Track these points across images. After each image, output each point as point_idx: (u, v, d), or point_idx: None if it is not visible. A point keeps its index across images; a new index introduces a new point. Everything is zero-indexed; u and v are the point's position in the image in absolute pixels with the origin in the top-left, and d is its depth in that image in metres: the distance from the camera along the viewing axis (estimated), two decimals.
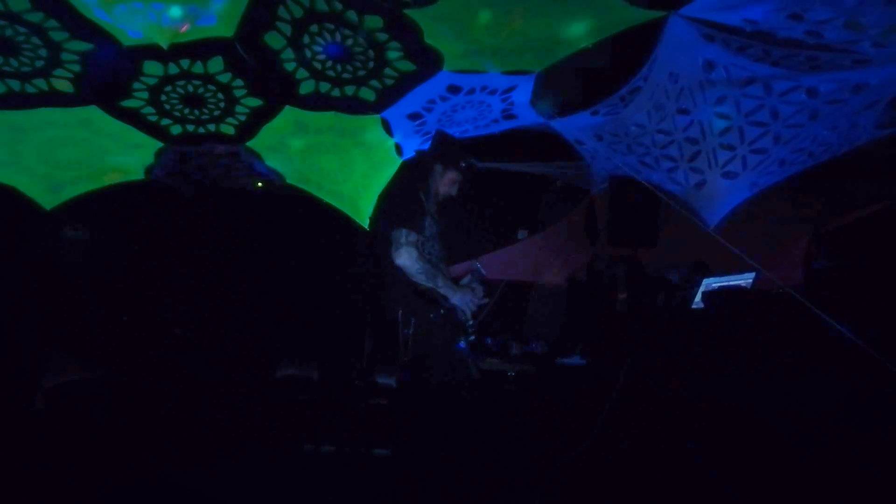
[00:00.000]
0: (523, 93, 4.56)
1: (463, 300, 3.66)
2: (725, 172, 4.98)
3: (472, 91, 4.49)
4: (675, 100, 4.45)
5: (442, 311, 3.60)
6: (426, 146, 4.36)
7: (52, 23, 3.59)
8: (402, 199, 3.76)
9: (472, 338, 3.83)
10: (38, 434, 5.25)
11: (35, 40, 3.75)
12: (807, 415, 3.47)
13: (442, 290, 3.59)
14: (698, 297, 5.21)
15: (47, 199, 5.68)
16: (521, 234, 8.08)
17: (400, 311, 3.62)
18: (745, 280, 5.32)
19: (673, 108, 4.56)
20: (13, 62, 3.98)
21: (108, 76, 4.26)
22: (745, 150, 4.74)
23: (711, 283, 5.26)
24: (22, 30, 3.65)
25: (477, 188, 6.41)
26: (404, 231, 3.50)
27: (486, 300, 3.91)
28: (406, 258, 3.46)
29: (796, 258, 6.80)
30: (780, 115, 4.37)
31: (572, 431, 5.02)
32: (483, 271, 3.91)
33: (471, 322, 3.81)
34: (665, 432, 4.18)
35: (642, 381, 4.74)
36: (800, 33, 3.49)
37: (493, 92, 4.53)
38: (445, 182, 3.87)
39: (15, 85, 4.23)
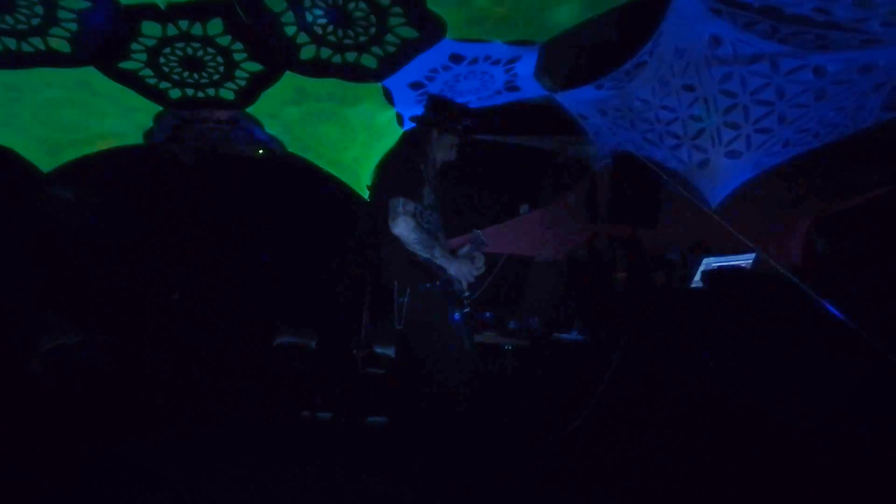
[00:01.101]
0: (527, 64, 4.49)
1: (460, 271, 3.61)
2: (729, 151, 4.94)
3: (474, 61, 4.43)
4: (680, 75, 4.40)
5: (438, 281, 3.57)
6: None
7: None
8: (400, 167, 3.71)
9: (468, 310, 3.81)
10: (34, 397, 5.27)
11: None
12: (799, 398, 3.46)
13: (439, 261, 3.54)
14: (698, 277, 5.19)
15: (45, 162, 5.65)
16: (523, 208, 8.04)
17: (396, 281, 3.59)
18: (745, 261, 5.29)
19: (678, 84, 4.50)
20: (9, 19, 3.92)
21: (106, 36, 4.20)
22: (750, 128, 4.69)
23: (711, 262, 5.24)
24: None
25: (478, 161, 6.38)
26: (402, 200, 3.45)
27: (484, 271, 3.87)
28: (403, 227, 3.41)
29: (797, 240, 6.76)
30: (785, 94, 4.32)
31: (567, 406, 5.04)
32: (484, 239, 3.86)
33: (467, 294, 3.78)
34: (658, 411, 4.18)
35: (638, 358, 4.74)
36: (808, 9, 3.43)
37: (496, 62, 4.47)
38: (443, 147, 3.81)
39: (11, 43, 4.17)
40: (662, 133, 5.04)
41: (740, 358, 3.81)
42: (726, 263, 5.05)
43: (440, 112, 3.86)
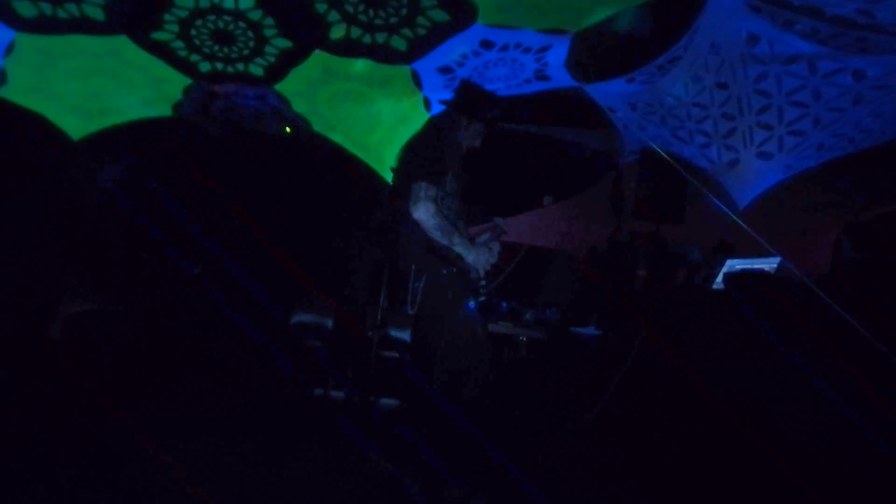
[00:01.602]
0: (558, 53, 4.44)
1: (478, 259, 3.58)
2: (761, 153, 4.85)
3: (505, 48, 4.38)
4: (714, 73, 4.32)
5: (455, 269, 3.55)
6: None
7: None
8: (425, 152, 3.68)
9: (483, 299, 3.79)
10: (51, 363, 5.35)
11: None
12: (808, 409, 3.40)
13: (457, 248, 3.51)
14: (720, 278, 5.12)
15: (75, 130, 5.71)
16: (547, 200, 7.98)
17: (413, 266, 3.58)
18: (769, 264, 5.21)
19: (711, 82, 4.42)
20: None
21: (140, 5, 4.21)
22: (783, 130, 4.61)
23: (735, 264, 5.16)
24: None
25: (503, 150, 6.32)
26: (424, 184, 3.42)
27: (502, 261, 3.84)
28: (424, 212, 3.38)
29: (825, 247, 6.64)
30: (822, 96, 4.22)
31: (579, 400, 5.01)
32: (505, 228, 3.83)
33: (483, 283, 3.75)
34: (670, 410, 4.14)
35: (654, 356, 4.70)
36: (850, 10, 3.34)
37: (527, 50, 4.42)
38: (469, 134, 3.77)
39: (46, 8, 4.20)
40: (693, 131, 4.97)
41: (755, 362, 3.76)
42: (749, 266, 4.98)
43: (471, 99, 3.82)
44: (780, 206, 5.77)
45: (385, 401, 5.71)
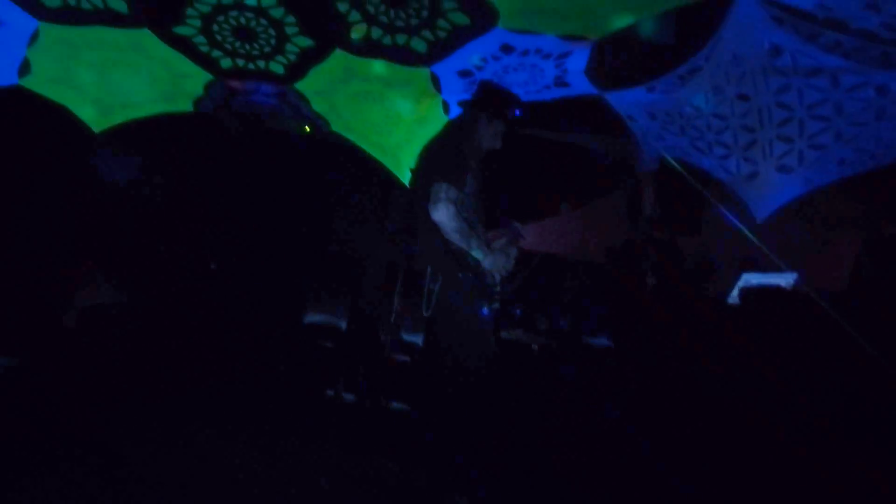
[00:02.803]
0: (578, 60, 4.42)
1: (495, 264, 3.55)
2: (780, 166, 4.79)
3: (525, 53, 4.37)
4: (735, 84, 4.27)
5: (470, 273, 3.52)
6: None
7: None
8: (444, 153, 3.65)
9: (497, 305, 3.76)
10: (65, 352, 5.39)
11: None
12: (820, 425, 3.36)
13: (474, 252, 3.48)
14: (735, 292, 5.07)
15: (96, 122, 5.76)
16: (563, 206, 7.95)
17: (429, 267, 3.55)
18: (785, 280, 5.15)
19: (732, 93, 4.37)
20: None
21: None
22: (804, 143, 4.55)
23: (751, 279, 5.11)
24: None
25: (522, 155, 6.31)
26: (444, 185, 3.38)
27: (517, 267, 3.81)
28: (443, 214, 3.34)
29: (845, 263, 6.56)
30: (844, 110, 4.17)
31: (589, 411, 4.97)
32: (522, 233, 3.79)
33: (499, 289, 3.72)
34: (681, 423, 4.10)
35: (666, 369, 4.65)
36: (875, 25, 3.30)
37: (547, 56, 4.40)
38: (490, 134, 3.72)
39: None
40: (712, 142, 4.92)
41: (766, 377, 3.71)
42: (766, 281, 4.92)
43: (491, 96, 3.79)
44: (800, 219, 5.71)
45: (396, 405, 5.70)
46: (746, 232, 4.71)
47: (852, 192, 5.42)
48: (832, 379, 3.50)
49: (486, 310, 3.61)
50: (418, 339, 6.29)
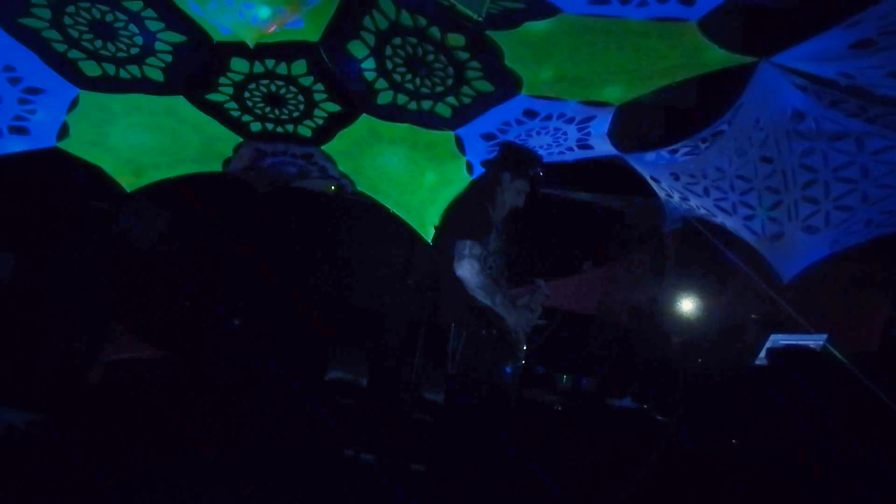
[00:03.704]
0: (601, 124, 4.47)
1: (518, 322, 3.53)
2: (806, 226, 4.75)
3: (548, 117, 4.44)
4: (758, 147, 4.28)
5: (494, 330, 3.50)
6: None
7: (150, 13, 3.73)
8: (468, 210, 3.67)
9: (521, 363, 3.73)
10: (89, 407, 5.41)
11: (132, 28, 3.90)
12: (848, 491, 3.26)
13: (498, 310, 3.46)
14: (763, 353, 4.98)
15: (129, 182, 5.89)
16: (587, 265, 7.94)
17: (453, 325, 3.54)
18: (815, 342, 5.06)
19: (756, 156, 4.38)
20: (111, 47, 4.14)
21: (197, 69, 4.40)
22: (830, 205, 4.51)
23: (779, 339, 5.02)
24: (122, 17, 3.80)
25: (545, 213, 6.34)
26: (469, 243, 3.39)
27: (542, 323, 3.78)
28: (468, 270, 3.34)
29: (874, 324, 6.44)
30: (870, 173, 4.15)
31: (612, 477, 4.87)
32: (546, 290, 3.78)
33: (523, 346, 3.70)
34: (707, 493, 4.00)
35: (692, 434, 4.56)
36: None
37: (570, 120, 4.47)
38: (513, 192, 3.75)
39: (110, 69, 4.40)
40: (736, 202, 4.91)
41: (793, 445, 3.62)
42: (795, 343, 4.84)
43: (513, 155, 3.84)
44: (829, 280, 5.62)
45: (415, 466, 5.62)
46: (772, 293, 4.66)
47: (880, 252, 5.35)
48: (867, 445, 3.41)
49: (509, 368, 3.58)
50: (439, 398, 6.22)
